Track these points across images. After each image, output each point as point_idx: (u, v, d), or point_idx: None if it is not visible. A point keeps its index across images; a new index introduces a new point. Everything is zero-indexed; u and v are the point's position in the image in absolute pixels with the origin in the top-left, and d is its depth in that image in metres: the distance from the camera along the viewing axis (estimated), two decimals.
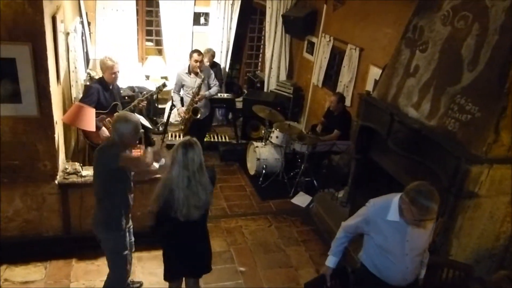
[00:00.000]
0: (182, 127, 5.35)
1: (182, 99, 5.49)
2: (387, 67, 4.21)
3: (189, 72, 5.26)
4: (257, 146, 5.72)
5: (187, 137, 2.73)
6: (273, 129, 5.63)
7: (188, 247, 2.87)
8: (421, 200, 2.39)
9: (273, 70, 7.53)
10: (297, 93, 7.18)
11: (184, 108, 5.34)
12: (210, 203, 2.80)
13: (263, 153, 5.66)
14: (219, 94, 6.41)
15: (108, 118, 4.39)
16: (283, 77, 7.58)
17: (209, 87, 5.40)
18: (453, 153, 3.11)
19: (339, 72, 6.07)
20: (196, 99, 5.22)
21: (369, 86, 5.28)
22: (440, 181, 3.17)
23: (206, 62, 6.21)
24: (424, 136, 3.40)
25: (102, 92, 4.37)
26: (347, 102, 5.74)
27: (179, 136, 5.71)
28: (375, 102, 4.07)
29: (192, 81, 5.25)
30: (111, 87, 4.47)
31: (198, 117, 5.25)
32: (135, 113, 4.72)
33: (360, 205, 4.24)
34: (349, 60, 5.80)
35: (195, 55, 5.15)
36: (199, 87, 5.19)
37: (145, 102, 4.75)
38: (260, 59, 8.21)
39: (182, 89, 5.38)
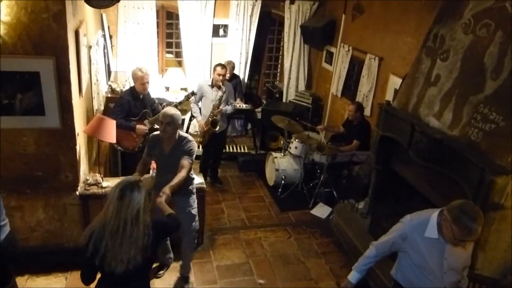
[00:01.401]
0: (200, 139, 5.39)
1: (200, 111, 5.53)
2: (407, 77, 4.17)
3: (212, 85, 5.30)
4: (276, 157, 5.71)
5: (132, 177, 2.41)
6: (292, 139, 5.62)
7: None
8: (465, 220, 2.30)
9: (292, 80, 7.55)
10: (316, 103, 7.17)
11: (203, 120, 5.38)
12: (141, 263, 2.27)
13: (282, 163, 5.65)
14: (237, 105, 6.45)
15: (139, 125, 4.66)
16: (302, 87, 7.59)
17: (226, 103, 5.42)
18: (477, 163, 3.04)
19: (358, 81, 6.04)
20: (216, 112, 5.26)
21: (389, 96, 5.23)
22: (464, 193, 3.10)
23: (227, 74, 6.29)
24: (446, 146, 3.33)
25: (133, 102, 4.59)
26: (367, 112, 5.69)
27: (198, 147, 5.75)
28: (395, 112, 4.03)
29: (214, 94, 5.28)
30: (141, 97, 4.67)
31: (217, 130, 5.27)
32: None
33: (381, 217, 4.21)
34: (368, 69, 5.76)
35: (219, 69, 5.18)
36: (220, 101, 5.22)
37: None
38: (278, 70, 8.22)
39: (202, 103, 5.42)
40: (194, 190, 3.67)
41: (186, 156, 3.36)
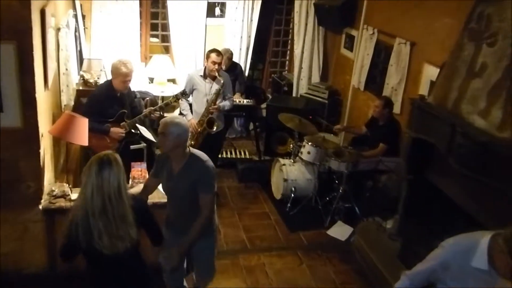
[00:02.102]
0: (192, 142, 5.41)
1: (191, 107, 5.58)
2: (445, 66, 4.17)
3: (205, 76, 5.34)
4: (284, 164, 5.73)
5: (106, 152, 2.67)
6: (304, 142, 5.64)
7: None
8: None
9: (304, 70, 7.58)
10: (333, 98, 7.19)
11: (195, 119, 5.42)
12: (135, 238, 2.69)
13: (291, 172, 5.66)
14: (237, 100, 6.47)
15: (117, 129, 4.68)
16: (315, 79, 7.61)
17: (224, 98, 5.47)
18: None
19: (385, 72, 6.06)
20: (211, 109, 5.28)
21: (423, 90, 5.25)
22: None
23: (222, 65, 6.33)
24: (495, 152, 3.34)
25: (109, 100, 4.63)
26: (396, 109, 5.71)
27: None
28: (431, 109, 4.03)
29: (207, 87, 5.32)
30: (119, 94, 4.72)
31: (214, 130, 5.32)
32: (139, 125, 4.90)
33: (414, 239, 4.21)
34: (397, 57, 5.78)
35: (213, 56, 5.20)
36: (217, 95, 5.25)
37: (158, 113, 4.96)
38: (287, 58, 8.26)
39: (194, 95, 5.46)
40: (216, 229, 3.52)
41: (203, 190, 3.15)
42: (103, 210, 2.57)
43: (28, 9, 3.32)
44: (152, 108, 4.93)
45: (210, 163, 3.22)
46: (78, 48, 5.95)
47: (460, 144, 3.65)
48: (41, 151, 3.75)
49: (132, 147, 5.19)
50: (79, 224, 2.60)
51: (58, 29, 4.55)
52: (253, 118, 7.10)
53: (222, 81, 5.23)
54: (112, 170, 2.57)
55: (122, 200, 2.61)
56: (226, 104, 5.44)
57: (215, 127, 5.32)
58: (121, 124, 4.74)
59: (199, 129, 5.34)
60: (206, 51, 5.55)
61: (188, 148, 3.22)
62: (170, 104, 5.06)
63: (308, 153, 5.57)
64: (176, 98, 5.00)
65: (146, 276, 2.92)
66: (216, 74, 5.23)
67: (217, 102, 5.31)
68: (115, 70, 4.60)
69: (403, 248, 4.46)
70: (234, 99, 6.01)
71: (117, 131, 4.68)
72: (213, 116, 5.31)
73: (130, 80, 4.69)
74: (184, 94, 5.08)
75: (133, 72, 4.66)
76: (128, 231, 2.64)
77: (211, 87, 5.31)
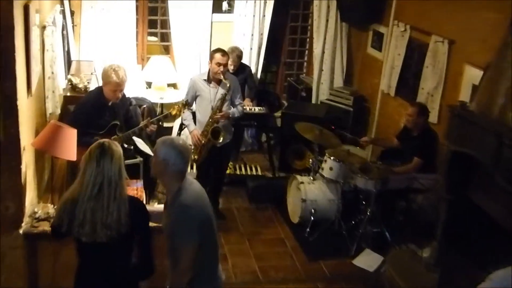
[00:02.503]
0: (196, 156, 5.40)
1: (193, 116, 5.57)
2: (490, 67, 4.14)
3: (209, 80, 5.35)
4: (302, 182, 5.70)
5: (105, 139, 2.92)
6: (325, 157, 5.62)
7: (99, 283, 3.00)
8: None
9: (325, 73, 7.57)
10: (359, 105, 7.18)
11: (199, 129, 5.41)
12: (125, 231, 2.84)
13: (310, 191, 5.63)
14: (247, 108, 6.46)
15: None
16: (338, 82, 7.60)
17: (232, 105, 5.47)
18: None
19: (419, 74, 6.05)
20: (217, 117, 5.27)
21: (464, 95, 5.22)
22: None
23: (230, 65, 6.32)
24: None
25: (98, 110, 4.64)
26: (432, 118, 5.68)
27: (191, 168, 5.76)
28: (473, 118, 4.01)
29: (212, 92, 5.33)
30: (110, 103, 4.74)
31: (219, 142, 5.31)
32: (135, 137, 4.91)
33: (456, 270, 4.13)
34: (433, 57, 5.76)
35: (218, 56, 5.22)
36: (222, 100, 5.25)
37: (156, 125, 4.96)
38: (305, 58, 8.26)
39: (195, 102, 5.47)
40: None
41: (176, 238, 2.99)
42: (98, 194, 2.79)
43: (10, 4, 3.32)
44: (148, 120, 4.93)
45: (192, 210, 2.96)
46: (66, 49, 5.97)
47: (508, 159, 3.61)
48: (23, 166, 3.72)
49: (126, 162, 5.16)
50: (67, 207, 2.84)
51: (43, 27, 4.56)
52: (266, 128, 7.10)
53: (228, 85, 5.23)
54: (114, 155, 2.84)
55: (122, 184, 2.85)
56: (234, 111, 5.44)
57: (221, 138, 5.30)
58: (113, 137, 4.72)
59: (202, 141, 5.33)
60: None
61: (180, 182, 3.01)
62: (169, 116, 5.07)
63: (330, 169, 5.53)
64: (177, 110, 5.00)
65: (134, 272, 3.01)
66: (222, 77, 5.23)
67: (225, 109, 5.30)
68: (105, 77, 4.63)
69: (442, 280, 4.38)
70: (244, 106, 6.01)
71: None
72: (218, 125, 5.30)
73: (121, 91, 4.70)
74: (186, 104, 5.10)
75: (125, 82, 4.67)
76: (120, 220, 2.80)
77: (216, 92, 5.31)
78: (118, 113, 4.82)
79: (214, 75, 5.27)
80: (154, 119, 4.98)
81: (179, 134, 6.54)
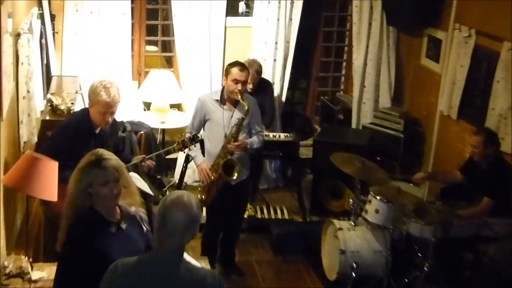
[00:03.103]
0: (203, 196, 5.35)
1: (202, 145, 5.52)
2: None
3: (222, 100, 5.32)
4: (340, 228, 5.62)
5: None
6: (370, 196, 5.54)
7: None
8: None
9: (368, 90, 7.56)
10: (411, 130, 7.14)
11: (208, 162, 5.37)
12: None
13: (351, 240, 5.55)
14: (271, 135, 6.45)
15: None
16: (385, 102, 7.59)
17: (250, 133, 5.44)
18: None
19: (489, 91, 5.99)
20: (231, 147, 5.21)
21: None
22: None
23: (248, 84, 6.26)
24: None
25: (80, 138, 4.56)
26: (505, 147, 5.64)
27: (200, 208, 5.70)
28: None
29: (226, 116, 5.29)
30: (97, 130, 4.71)
31: (233, 179, 5.24)
32: (131, 172, 4.88)
33: None
34: (506, 69, 5.70)
35: (236, 71, 5.18)
36: (239, 126, 5.20)
37: (154, 162, 4.97)
38: (343, 72, 8.28)
39: (203, 128, 5.44)
40: None
41: None
42: None
43: None
44: (144, 157, 4.91)
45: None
46: (45, 61, 6.03)
47: None
48: None
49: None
50: None
51: (17, 35, 4.58)
52: (294, 160, 7.05)
53: (246, 108, 5.18)
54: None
55: None
56: (253, 141, 5.40)
57: (235, 175, 5.23)
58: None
59: (212, 177, 5.29)
60: (226, 64, 5.58)
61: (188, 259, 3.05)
62: (172, 152, 5.08)
63: (376, 211, 5.45)
64: (183, 145, 4.99)
65: None
66: (239, 97, 5.18)
67: (241, 137, 5.26)
68: (92, 96, 4.57)
69: None
70: (265, 133, 5.98)
71: None
72: (233, 158, 5.24)
73: (112, 113, 4.65)
74: (194, 139, 5.06)
75: (118, 103, 4.64)
76: None
77: (231, 116, 5.27)
78: (107, 143, 4.71)
79: (229, 94, 5.24)
80: (152, 155, 5.00)
81: (185, 167, 6.56)
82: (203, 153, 5.50)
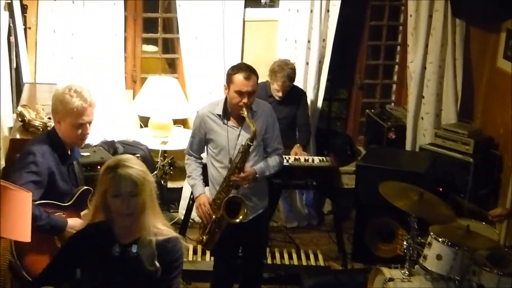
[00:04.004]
0: (204, 237, 5.42)
1: (203, 170, 5.58)
2: None
3: (225, 115, 5.37)
4: (391, 278, 5.62)
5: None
6: (430, 238, 5.53)
7: None
8: None
9: (427, 101, 7.59)
10: (484, 153, 7.12)
11: (206, 195, 5.44)
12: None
13: None
14: (302, 159, 6.49)
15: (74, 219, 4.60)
16: (449, 116, 7.59)
17: (264, 152, 5.50)
18: None
19: None
20: (236, 180, 5.26)
21: None
22: None
23: (277, 91, 6.43)
24: None
25: (57, 162, 4.58)
26: None
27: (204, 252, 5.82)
28: None
29: (232, 135, 5.34)
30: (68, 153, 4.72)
31: (238, 221, 5.27)
32: None
33: None
34: None
35: (239, 80, 5.16)
36: (244, 154, 5.22)
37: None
38: (395, 78, 8.31)
39: (207, 149, 5.50)
40: None
41: None
42: None
43: None
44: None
45: None
46: (14, 65, 6.12)
47: None
48: None
49: None
50: None
51: None
52: (331, 191, 7.08)
53: (253, 129, 5.14)
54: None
55: None
56: (265, 167, 5.43)
57: (240, 217, 5.25)
58: (82, 213, 4.76)
59: (213, 216, 5.34)
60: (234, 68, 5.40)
61: None
62: (156, 179, 4.92)
63: (438, 258, 5.43)
64: (164, 172, 5.17)
65: None
66: (245, 114, 5.18)
67: (251, 163, 5.31)
68: (60, 106, 4.52)
69: None
70: (296, 156, 6.03)
71: (76, 227, 4.50)
72: (238, 193, 5.29)
73: (89, 123, 4.63)
74: (172, 164, 5.27)
75: (94, 106, 4.63)
76: None
77: (239, 135, 5.34)
78: (77, 171, 4.81)
79: (233, 108, 5.28)
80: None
81: (192, 200, 6.51)
82: (206, 180, 5.52)
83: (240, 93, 5.13)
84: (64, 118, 4.53)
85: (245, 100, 5.13)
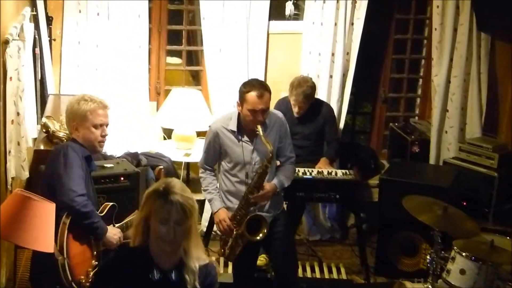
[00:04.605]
0: (226, 249, 5.40)
1: (218, 185, 5.55)
2: None
3: (240, 130, 5.36)
4: None
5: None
6: (453, 252, 5.52)
7: None
8: None
9: (452, 115, 7.57)
10: (509, 168, 7.08)
11: (225, 210, 5.41)
12: None
13: None
14: (325, 172, 6.48)
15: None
16: (474, 130, 7.58)
17: (277, 158, 5.49)
18: None
19: None
20: (256, 199, 5.25)
21: None
22: None
23: (293, 105, 6.45)
24: None
25: (85, 166, 4.59)
26: None
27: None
28: None
29: (247, 151, 5.33)
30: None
31: (258, 238, 5.27)
32: None
33: None
34: None
35: (252, 99, 5.12)
36: (262, 174, 5.22)
37: None
38: (419, 92, 8.28)
39: (222, 163, 5.48)
40: None
41: None
42: None
43: None
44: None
45: None
46: (39, 76, 6.14)
47: None
48: None
49: None
50: None
51: (5, 42, 4.69)
52: (354, 205, 7.08)
53: (270, 149, 5.12)
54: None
55: None
56: (286, 177, 5.46)
57: (260, 234, 5.27)
58: (117, 226, 4.74)
59: (234, 231, 5.33)
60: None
61: None
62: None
63: (462, 272, 5.41)
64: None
65: None
66: (261, 133, 5.13)
67: (269, 177, 5.30)
68: (76, 115, 4.55)
69: None
70: (320, 169, 6.02)
71: (113, 236, 4.59)
72: (256, 207, 5.29)
73: (106, 125, 4.66)
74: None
75: (108, 108, 4.66)
76: None
77: (253, 150, 5.33)
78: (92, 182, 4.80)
79: (246, 124, 5.27)
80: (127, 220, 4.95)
81: (211, 219, 6.48)
82: (224, 196, 5.49)
83: (253, 112, 5.10)
84: (81, 123, 4.56)
85: (259, 118, 5.11)
